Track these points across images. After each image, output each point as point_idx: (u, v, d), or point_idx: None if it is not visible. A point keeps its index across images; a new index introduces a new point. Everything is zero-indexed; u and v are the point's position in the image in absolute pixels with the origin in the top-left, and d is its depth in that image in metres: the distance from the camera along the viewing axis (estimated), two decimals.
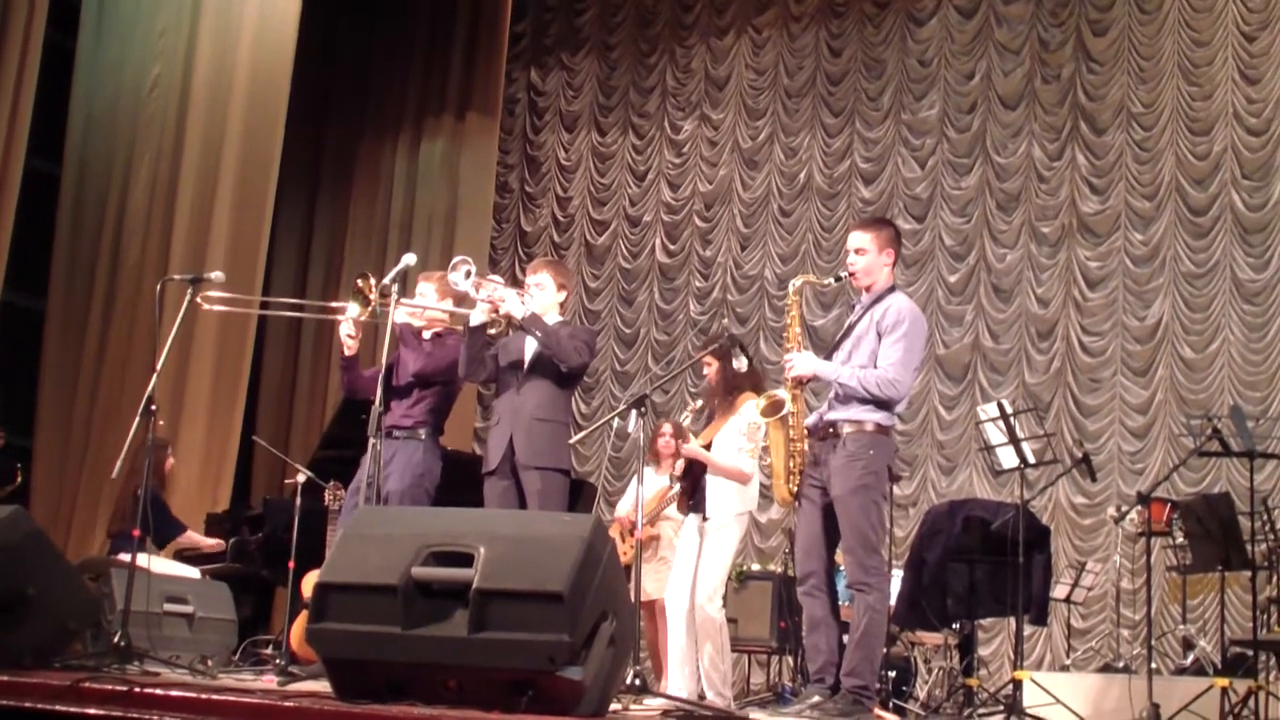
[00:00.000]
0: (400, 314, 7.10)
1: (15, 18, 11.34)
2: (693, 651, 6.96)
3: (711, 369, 7.28)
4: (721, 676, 6.93)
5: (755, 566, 11.02)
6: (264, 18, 13.13)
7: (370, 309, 6.97)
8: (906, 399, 6.35)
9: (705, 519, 7.01)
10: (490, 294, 6.88)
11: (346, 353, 7.30)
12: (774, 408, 6.33)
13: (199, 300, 7.10)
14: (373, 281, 6.96)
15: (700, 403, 7.59)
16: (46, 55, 11.70)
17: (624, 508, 9.12)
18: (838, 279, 6.74)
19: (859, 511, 6.12)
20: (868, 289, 6.45)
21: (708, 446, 7.03)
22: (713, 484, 7.00)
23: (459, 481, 7.49)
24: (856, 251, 6.42)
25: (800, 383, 6.37)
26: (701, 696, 6.85)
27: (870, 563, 6.13)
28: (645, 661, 7.53)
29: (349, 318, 7.10)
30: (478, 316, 6.91)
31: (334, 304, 7.47)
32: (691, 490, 7.10)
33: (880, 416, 6.22)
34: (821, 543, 6.30)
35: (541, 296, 7.04)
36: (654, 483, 8.66)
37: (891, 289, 6.43)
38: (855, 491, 6.12)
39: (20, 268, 11.69)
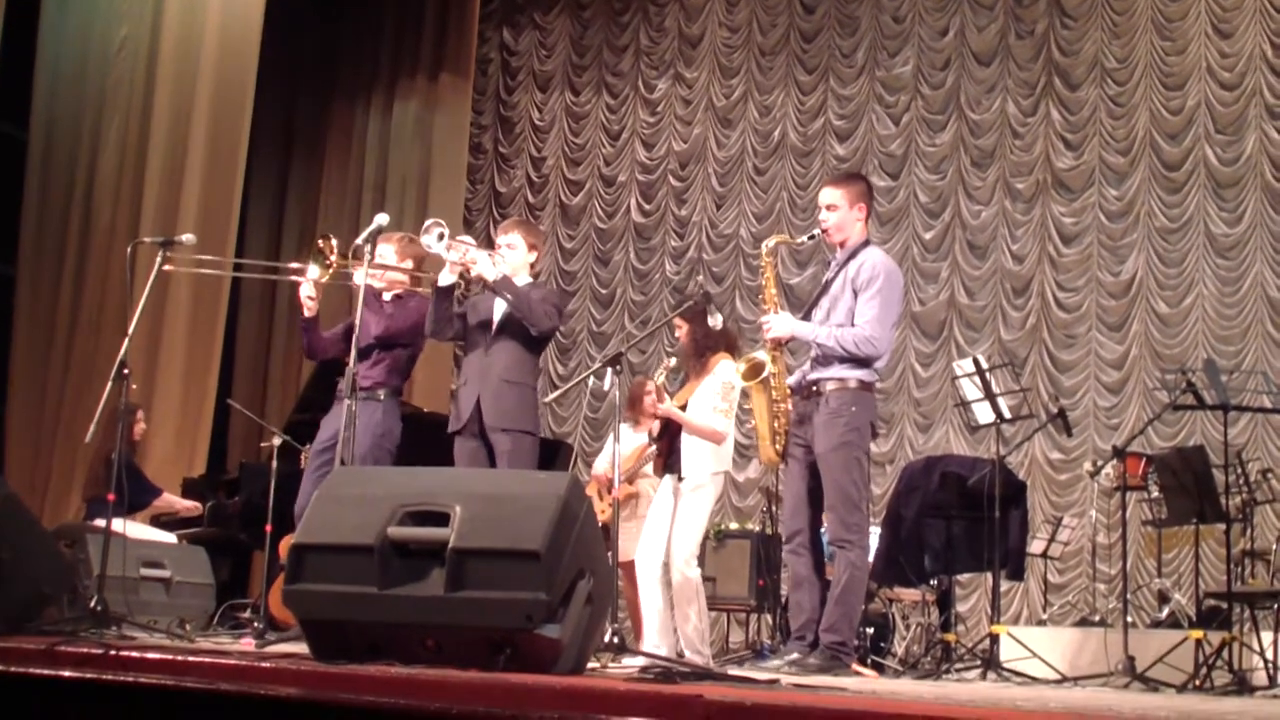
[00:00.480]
0: (360, 275, 7.09)
1: None
2: (669, 611, 6.96)
3: (682, 331, 7.24)
4: (700, 635, 6.94)
5: (733, 525, 11.03)
6: None
7: (330, 270, 6.92)
8: (888, 354, 6.36)
9: (680, 479, 7.01)
10: (462, 255, 6.84)
11: (306, 314, 7.25)
12: (754, 370, 6.35)
13: (165, 260, 7.02)
14: (334, 243, 6.93)
15: (674, 361, 7.57)
16: (10, 17, 11.55)
17: (601, 465, 9.05)
18: (811, 238, 6.74)
19: (841, 468, 6.14)
20: (841, 244, 6.45)
21: (683, 407, 7.02)
22: (688, 444, 6.99)
23: (429, 442, 7.47)
24: (827, 208, 6.43)
25: (779, 344, 6.38)
26: (680, 655, 6.86)
27: (852, 520, 6.15)
28: (624, 622, 7.52)
29: (309, 279, 7.05)
30: (446, 277, 6.87)
31: (294, 265, 7.40)
32: (667, 451, 7.09)
33: (862, 373, 6.23)
34: (807, 501, 6.32)
35: (512, 257, 7.00)
36: (632, 440, 8.62)
37: (865, 244, 6.43)
38: (837, 448, 6.14)
39: None
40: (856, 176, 6.80)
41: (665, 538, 6.95)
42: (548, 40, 15.19)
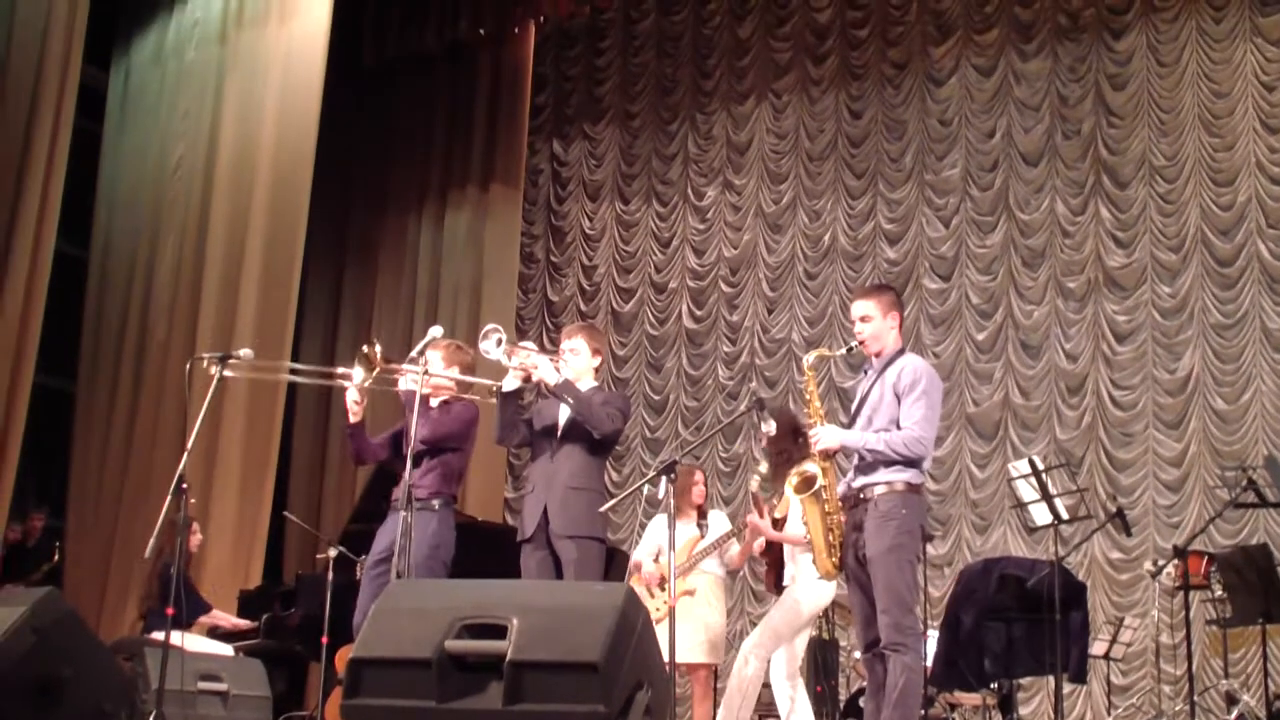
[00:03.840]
0: (406, 382, 7.13)
1: (45, 106, 11.47)
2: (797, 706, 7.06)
3: (775, 433, 7.25)
4: None
5: None
6: (286, 95, 13.24)
7: (374, 373, 6.98)
8: (931, 455, 6.35)
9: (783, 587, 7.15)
10: (523, 360, 6.88)
11: (351, 419, 7.29)
12: (806, 484, 6.34)
13: (204, 365, 7.05)
14: (378, 348, 6.99)
15: (764, 466, 7.58)
16: (74, 141, 11.81)
17: (646, 561, 8.43)
18: (849, 349, 6.77)
19: (894, 571, 6.11)
20: (878, 354, 6.47)
21: (784, 519, 7.09)
22: (792, 553, 7.09)
23: (486, 552, 7.47)
24: (862, 319, 6.46)
25: (828, 455, 6.38)
26: None
27: (905, 623, 6.11)
28: None
29: (355, 384, 7.10)
30: (510, 382, 6.91)
31: (340, 370, 7.47)
32: (776, 564, 7.17)
33: (909, 475, 6.21)
34: (875, 609, 6.29)
35: (576, 362, 7.04)
36: (682, 533, 8.26)
37: (900, 351, 6.45)
38: (888, 551, 6.11)
39: (50, 350, 11.75)
40: (885, 287, 6.85)
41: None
42: (597, 150, 15.34)
